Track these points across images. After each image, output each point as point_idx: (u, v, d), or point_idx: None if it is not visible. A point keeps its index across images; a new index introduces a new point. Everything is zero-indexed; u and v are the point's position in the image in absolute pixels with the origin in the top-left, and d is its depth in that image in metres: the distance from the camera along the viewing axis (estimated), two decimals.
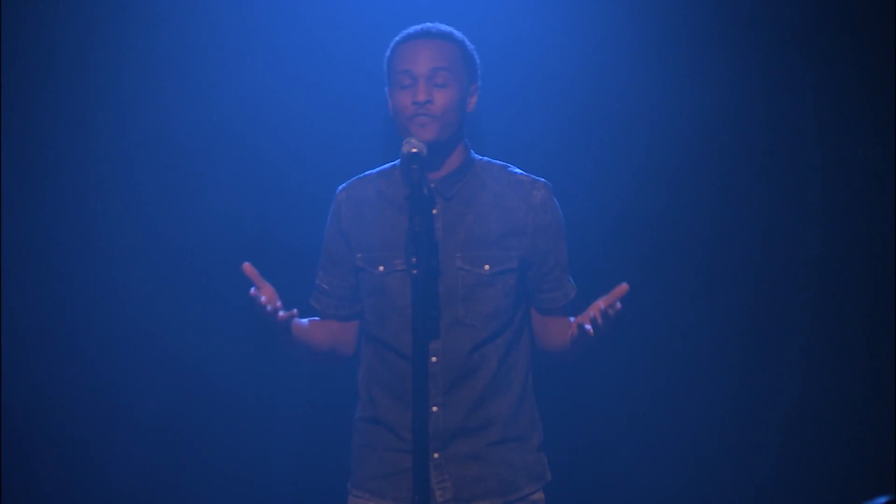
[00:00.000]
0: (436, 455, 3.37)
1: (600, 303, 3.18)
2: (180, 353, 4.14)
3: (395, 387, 3.40)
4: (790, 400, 4.19)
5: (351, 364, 3.55)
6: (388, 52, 3.46)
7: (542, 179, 3.49)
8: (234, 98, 4.14)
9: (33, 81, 4.12)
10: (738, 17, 4.17)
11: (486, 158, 3.50)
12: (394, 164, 3.50)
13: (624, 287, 3.18)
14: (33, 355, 4.13)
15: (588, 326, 3.18)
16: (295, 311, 3.28)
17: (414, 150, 3.25)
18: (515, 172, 3.49)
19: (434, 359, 3.37)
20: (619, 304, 3.16)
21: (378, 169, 3.53)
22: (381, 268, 3.41)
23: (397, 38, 3.46)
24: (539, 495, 3.48)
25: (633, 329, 4.16)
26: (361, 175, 3.53)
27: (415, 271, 3.13)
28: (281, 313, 3.23)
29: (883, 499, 2.65)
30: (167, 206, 4.14)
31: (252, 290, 3.23)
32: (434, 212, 3.39)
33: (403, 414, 3.37)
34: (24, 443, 4.12)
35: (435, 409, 3.37)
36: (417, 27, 3.45)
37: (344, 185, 3.53)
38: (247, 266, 3.25)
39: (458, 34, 3.45)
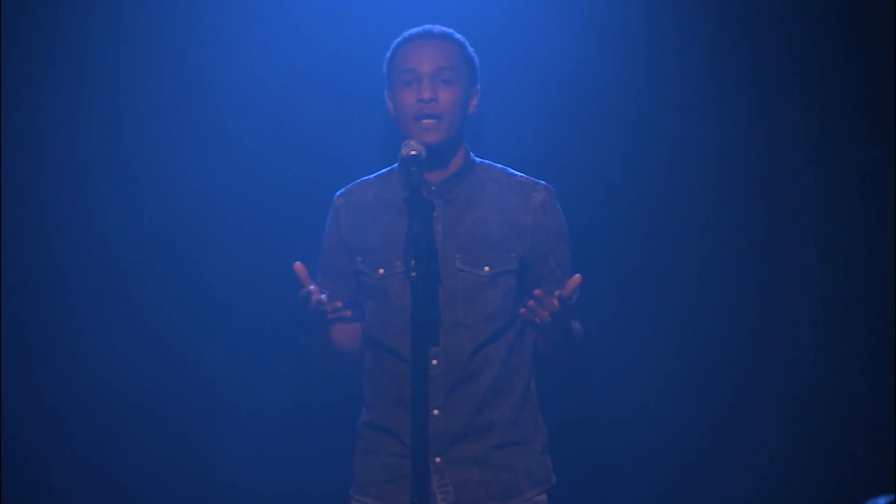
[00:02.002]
0: (437, 459, 3.35)
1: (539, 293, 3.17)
2: (182, 353, 4.15)
3: (395, 391, 3.38)
4: (790, 399, 4.20)
5: (359, 369, 3.53)
6: (388, 54, 3.45)
7: (543, 182, 3.48)
8: (235, 100, 4.16)
9: (33, 82, 4.12)
10: (738, 19, 4.18)
11: (486, 161, 3.50)
12: (391, 168, 3.50)
13: (576, 278, 3.17)
14: (33, 355, 4.13)
15: (538, 320, 3.18)
16: (349, 311, 3.28)
17: (413, 153, 3.24)
18: (516, 175, 3.48)
19: (435, 361, 3.35)
20: (566, 291, 3.15)
21: (376, 174, 3.52)
22: (382, 270, 3.40)
23: (398, 40, 3.45)
24: (542, 497, 3.45)
25: (637, 330, 4.17)
26: (359, 180, 3.52)
27: (413, 274, 3.12)
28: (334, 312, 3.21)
29: (883, 499, 2.65)
30: (168, 206, 4.16)
31: (311, 287, 3.20)
32: (434, 214, 3.38)
33: (404, 418, 3.33)
34: (24, 443, 4.12)
35: (436, 412, 3.35)
36: (419, 28, 3.45)
37: (342, 190, 3.52)
38: (298, 266, 3.22)
39: (459, 36, 3.46)
